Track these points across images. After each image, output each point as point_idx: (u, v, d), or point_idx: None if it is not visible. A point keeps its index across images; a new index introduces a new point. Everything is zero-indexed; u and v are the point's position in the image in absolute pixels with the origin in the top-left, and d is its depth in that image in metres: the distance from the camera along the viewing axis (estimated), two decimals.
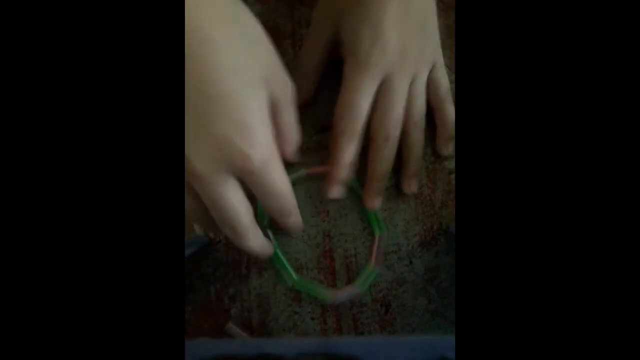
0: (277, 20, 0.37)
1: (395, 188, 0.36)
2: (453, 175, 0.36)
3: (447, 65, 0.36)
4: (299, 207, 0.35)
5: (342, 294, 0.35)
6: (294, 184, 0.35)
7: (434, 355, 0.19)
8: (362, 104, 0.31)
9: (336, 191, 0.34)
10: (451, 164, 0.36)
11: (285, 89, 0.27)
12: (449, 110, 0.35)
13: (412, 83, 0.32)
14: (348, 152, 0.32)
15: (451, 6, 0.37)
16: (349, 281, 0.36)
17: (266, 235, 0.34)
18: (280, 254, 0.35)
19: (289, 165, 0.30)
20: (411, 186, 0.34)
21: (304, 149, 0.36)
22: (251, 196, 0.27)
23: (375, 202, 0.34)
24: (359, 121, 0.31)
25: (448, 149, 0.35)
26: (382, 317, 0.36)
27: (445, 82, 0.35)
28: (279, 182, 0.26)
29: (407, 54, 0.31)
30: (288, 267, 0.35)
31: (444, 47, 0.36)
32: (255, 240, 0.27)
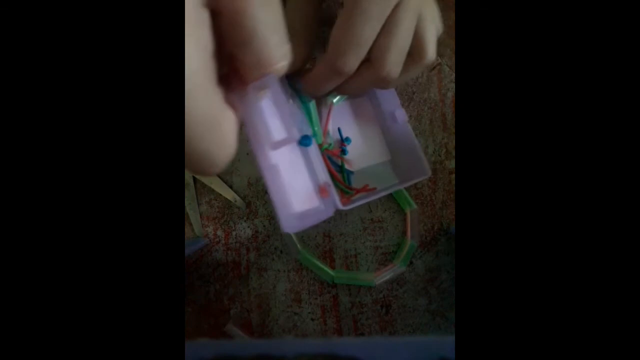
0: None
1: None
2: (453, 175, 0.36)
3: (447, 65, 0.36)
4: None
5: (384, 274, 0.35)
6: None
7: (435, 356, 0.19)
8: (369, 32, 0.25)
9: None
10: (451, 164, 0.36)
11: None
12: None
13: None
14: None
15: (451, 6, 0.37)
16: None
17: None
18: (310, 258, 0.36)
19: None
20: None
21: None
22: None
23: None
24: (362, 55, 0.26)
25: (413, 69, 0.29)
26: (382, 317, 0.36)
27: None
28: None
29: None
30: (323, 266, 0.36)
31: (444, 46, 0.36)
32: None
